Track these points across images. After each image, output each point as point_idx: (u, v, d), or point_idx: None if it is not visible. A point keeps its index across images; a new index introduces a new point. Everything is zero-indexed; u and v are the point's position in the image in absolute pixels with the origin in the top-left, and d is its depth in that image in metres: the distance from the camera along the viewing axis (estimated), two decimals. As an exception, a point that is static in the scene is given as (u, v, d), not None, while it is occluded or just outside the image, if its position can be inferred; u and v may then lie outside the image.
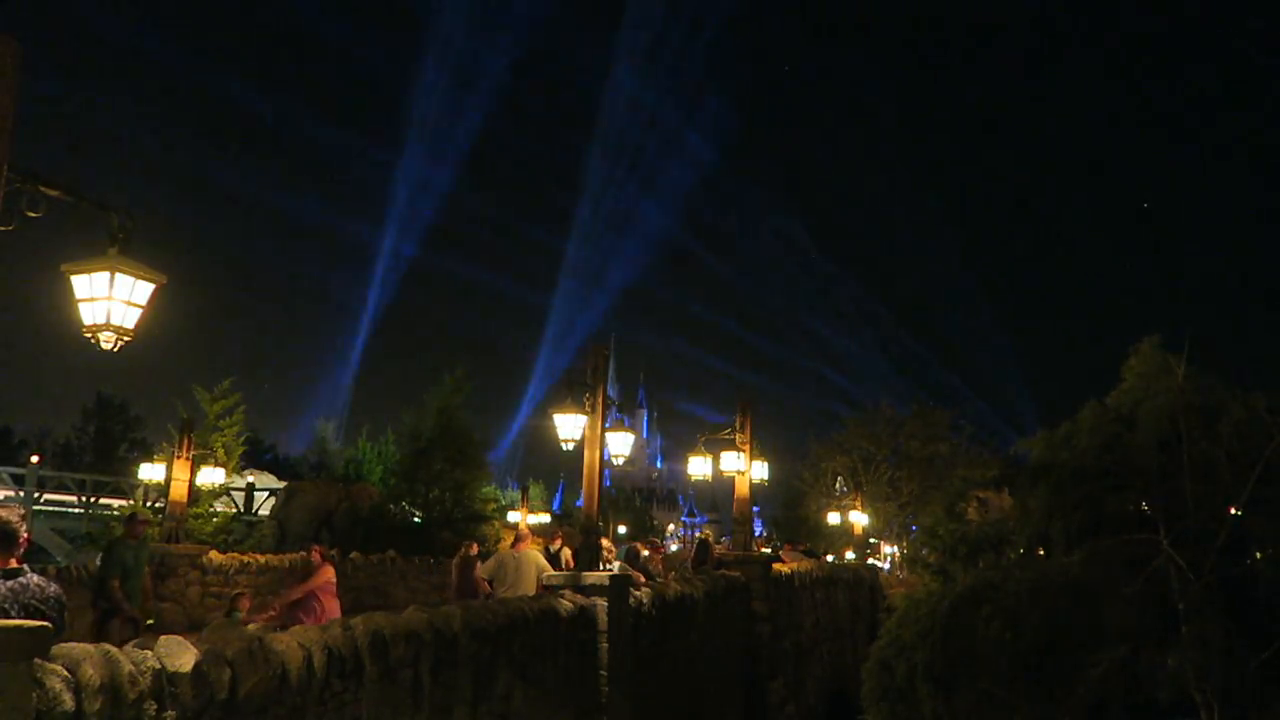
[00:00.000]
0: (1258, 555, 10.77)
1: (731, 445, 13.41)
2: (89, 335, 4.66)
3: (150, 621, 10.95)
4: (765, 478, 15.75)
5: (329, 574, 9.22)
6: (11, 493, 28.73)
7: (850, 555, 32.68)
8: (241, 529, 23.03)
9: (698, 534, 35.45)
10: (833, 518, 35.29)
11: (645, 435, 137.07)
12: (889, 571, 37.22)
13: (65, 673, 2.97)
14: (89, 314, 4.64)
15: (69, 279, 4.66)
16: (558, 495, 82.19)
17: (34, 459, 34.13)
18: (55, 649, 3.01)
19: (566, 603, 7.60)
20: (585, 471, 9.44)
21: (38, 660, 2.85)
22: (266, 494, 29.65)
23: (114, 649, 3.30)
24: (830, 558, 28.69)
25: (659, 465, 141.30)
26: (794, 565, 17.45)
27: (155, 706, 3.32)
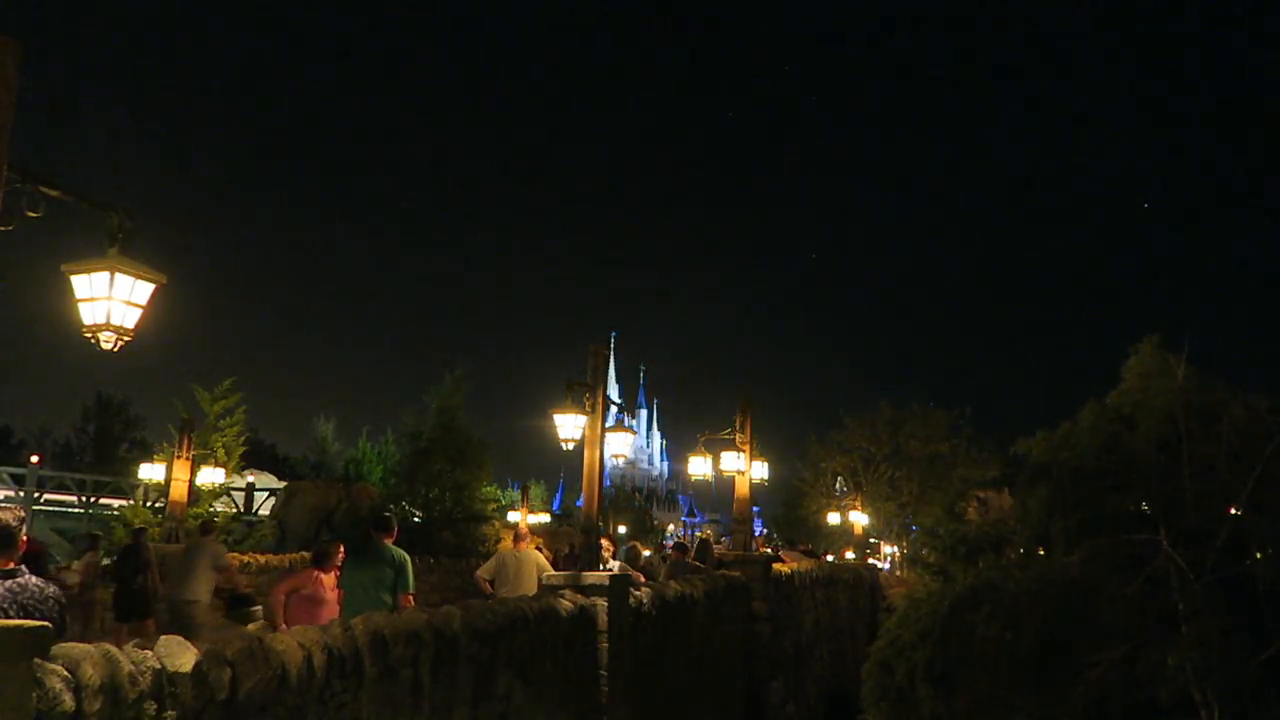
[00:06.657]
0: (1258, 555, 10.76)
1: (731, 445, 13.41)
2: (89, 335, 4.65)
3: None
4: (765, 477, 15.74)
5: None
6: (11, 492, 28.74)
7: (850, 555, 32.68)
8: (241, 529, 23.03)
9: (698, 534, 35.47)
10: (833, 518, 35.28)
11: (645, 435, 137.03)
12: (889, 571, 37.22)
13: (65, 673, 2.97)
14: (89, 314, 4.63)
15: (69, 279, 4.65)
16: (558, 495, 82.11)
17: (34, 459, 34.11)
18: (55, 649, 3.01)
19: (566, 603, 7.60)
20: (585, 471, 9.43)
21: (38, 660, 2.85)
22: (266, 494, 29.68)
23: (114, 649, 3.29)
24: (830, 558, 28.68)
25: (659, 465, 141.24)
26: (794, 565, 17.44)
27: (155, 706, 3.31)
